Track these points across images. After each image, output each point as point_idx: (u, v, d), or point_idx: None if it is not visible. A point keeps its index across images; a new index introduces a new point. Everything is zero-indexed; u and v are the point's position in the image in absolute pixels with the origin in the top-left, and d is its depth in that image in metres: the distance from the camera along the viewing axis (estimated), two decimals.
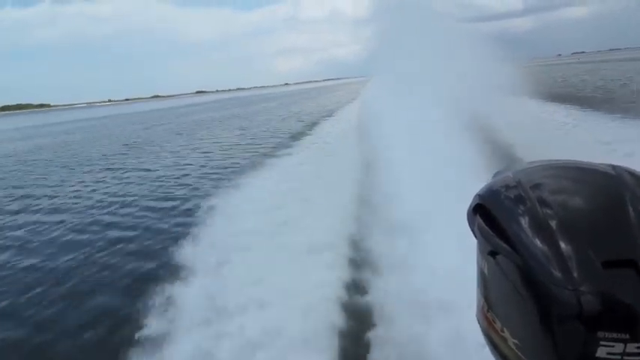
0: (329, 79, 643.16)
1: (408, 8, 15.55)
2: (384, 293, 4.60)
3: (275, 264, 5.48)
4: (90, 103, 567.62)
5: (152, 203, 11.28)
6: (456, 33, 13.36)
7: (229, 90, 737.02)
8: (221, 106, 74.34)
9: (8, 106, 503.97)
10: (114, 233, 9.20)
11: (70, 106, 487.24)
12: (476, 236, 0.74)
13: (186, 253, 6.42)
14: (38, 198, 13.37)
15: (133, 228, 9.38)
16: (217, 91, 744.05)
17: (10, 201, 13.50)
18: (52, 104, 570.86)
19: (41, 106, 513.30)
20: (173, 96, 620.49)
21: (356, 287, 5.00)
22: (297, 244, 5.95)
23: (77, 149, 26.76)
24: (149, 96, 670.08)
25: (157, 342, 4.50)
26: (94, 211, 11.25)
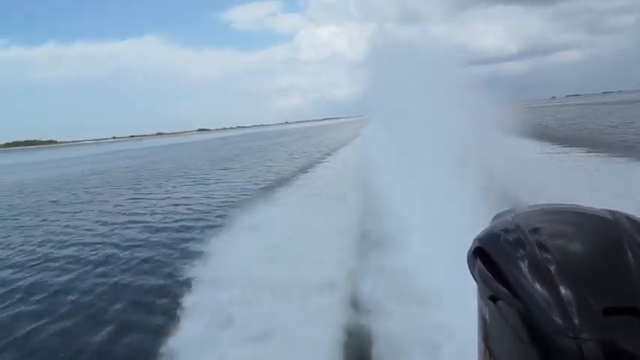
0: (327, 119, 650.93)
1: (406, 51, 15.67)
2: (385, 340, 4.56)
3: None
4: (97, 140, 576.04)
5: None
6: (453, 76, 13.48)
7: (231, 128, 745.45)
8: (248, 139, 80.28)
9: (18, 142, 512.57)
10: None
11: (77, 143, 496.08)
12: (476, 280, 0.73)
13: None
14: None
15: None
16: (219, 129, 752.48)
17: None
18: (58, 140, 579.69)
19: (49, 142, 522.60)
20: (176, 133, 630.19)
21: (355, 334, 4.91)
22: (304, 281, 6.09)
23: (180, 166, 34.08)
24: (153, 133, 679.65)
25: None
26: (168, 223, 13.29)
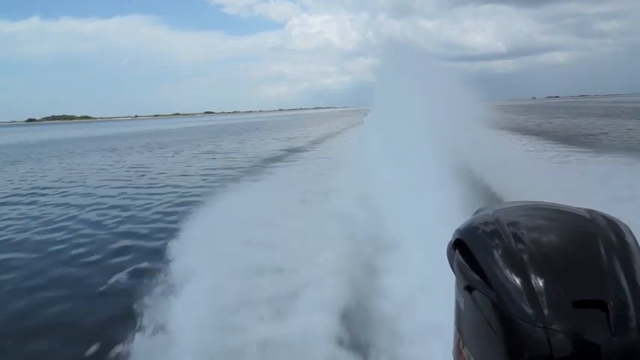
0: (319, 108, 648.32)
1: (402, 47, 14.09)
2: (363, 326, 3.85)
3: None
4: (135, 116, 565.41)
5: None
6: (445, 73, 12.31)
7: (230, 112, 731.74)
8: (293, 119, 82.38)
9: (56, 116, 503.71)
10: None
11: (114, 119, 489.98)
12: (454, 272, 0.66)
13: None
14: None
15: None
16: (223, 112, 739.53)
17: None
18: (93, 116, 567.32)
19: (85, 117, 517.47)
20: (189, 114, 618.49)
21: (336, 319, 4.02)
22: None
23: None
24: (170, 114, 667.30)
25: None
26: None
